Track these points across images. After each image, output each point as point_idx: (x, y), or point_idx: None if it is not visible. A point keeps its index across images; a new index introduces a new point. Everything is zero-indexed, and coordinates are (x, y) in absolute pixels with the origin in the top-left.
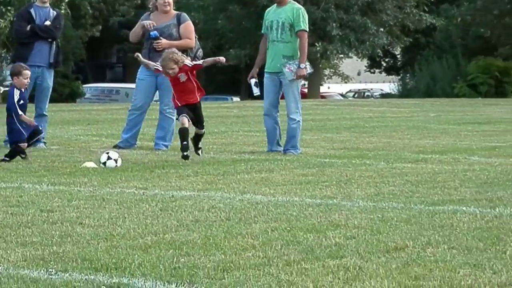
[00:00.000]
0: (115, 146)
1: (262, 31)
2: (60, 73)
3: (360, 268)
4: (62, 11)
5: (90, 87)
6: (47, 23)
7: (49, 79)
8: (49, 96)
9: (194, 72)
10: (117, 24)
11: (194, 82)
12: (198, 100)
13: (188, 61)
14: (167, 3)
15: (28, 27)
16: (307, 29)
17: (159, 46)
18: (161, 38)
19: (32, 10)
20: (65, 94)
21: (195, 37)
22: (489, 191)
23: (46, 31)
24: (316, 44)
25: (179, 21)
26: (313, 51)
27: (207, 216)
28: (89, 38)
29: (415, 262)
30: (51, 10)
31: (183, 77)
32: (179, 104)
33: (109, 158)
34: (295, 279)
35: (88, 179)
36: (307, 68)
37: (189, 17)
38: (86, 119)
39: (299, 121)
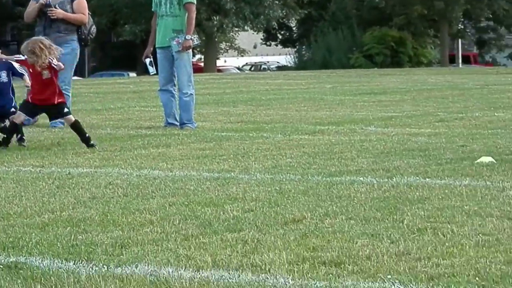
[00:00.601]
0: None
1: (152, 9)
2: None
3: (258, 241)
4: None
5: None
6: None
7: None
8: None
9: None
10: (11, 2)
11: (56, 85)
12: (56, 103)
13: (55, 62)
14: None
15: None
16: (195, 2)
17: (53, 15)
18: (52, 4)
19: None
20: None
21: (88, 14)
22: (385, 161)
23: None
24: (212, 17)
25: None
26: (209, 25)
27: (105, 192)
28: None
29: (313, 233)
30: None
31: (46, 74)
32: (30, 101)
33: None
34: (194, 253)
35: None
36: (193, 40)
37: None
38: None
39: (191, 94)
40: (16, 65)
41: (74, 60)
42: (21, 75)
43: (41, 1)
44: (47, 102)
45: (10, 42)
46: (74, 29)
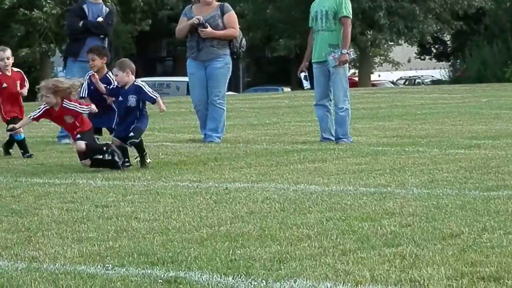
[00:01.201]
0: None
1: (309, 25)
2: (110, 68)
3: (416, 256)
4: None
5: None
6: (100, 19)
7: None
8: None
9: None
10: (166, 18)
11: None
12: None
13: (78, 107)
14: None
15: (81, 23)
16: (350, 16)
17: (203, 33)
18: (206, 24)
19: (84, 6)
20: None
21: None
22: None
23: (98, 27)
24: (366, 32)
25: (222, 12)
26: (363, 40)
27: (262, 207)
28: (138, 33)
29: (471, 248)
30: (103, 6)
31: (69, 119)
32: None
33: None
34: (352, 268)
35: (142, 173)
36: (349, 54)
37: (238, 8)
38: None
39: (347, 109)
40: (148, 88)
41: (228, 74)
42: (151, 100)
43: (194, 20)
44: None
45: (166, 57)
46: (226, 43)
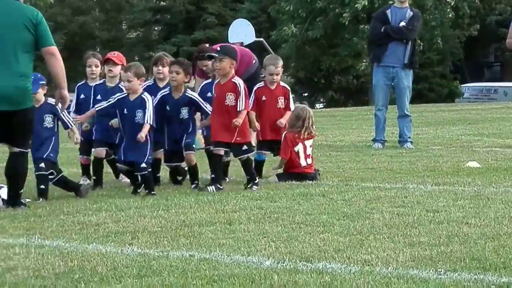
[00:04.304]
0: None
1: None
2: (438, 74)
3: None
4: (450, 15)
5: (468, 87)
6: (402, 24)
7: (405, 80)
8: (408, 97)
9: None
10: (494, 23)
11: None
12: None
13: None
14: None
15: (382, 28)
16: None
17: None
18: None
19: (388, 11)
20: (444, 94)
21: None
22: None
23: (397, 32)
24: None
25: None
26: None
27: None
28: (466, 38)
29: None
30: (408, 10)
31: None
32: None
33: None
34: None
35: (472, 178)
36: None
37: None
38: (467, 119)
39: None
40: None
41: None
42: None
43: None
44: None
45: (494, 63)
46: None
